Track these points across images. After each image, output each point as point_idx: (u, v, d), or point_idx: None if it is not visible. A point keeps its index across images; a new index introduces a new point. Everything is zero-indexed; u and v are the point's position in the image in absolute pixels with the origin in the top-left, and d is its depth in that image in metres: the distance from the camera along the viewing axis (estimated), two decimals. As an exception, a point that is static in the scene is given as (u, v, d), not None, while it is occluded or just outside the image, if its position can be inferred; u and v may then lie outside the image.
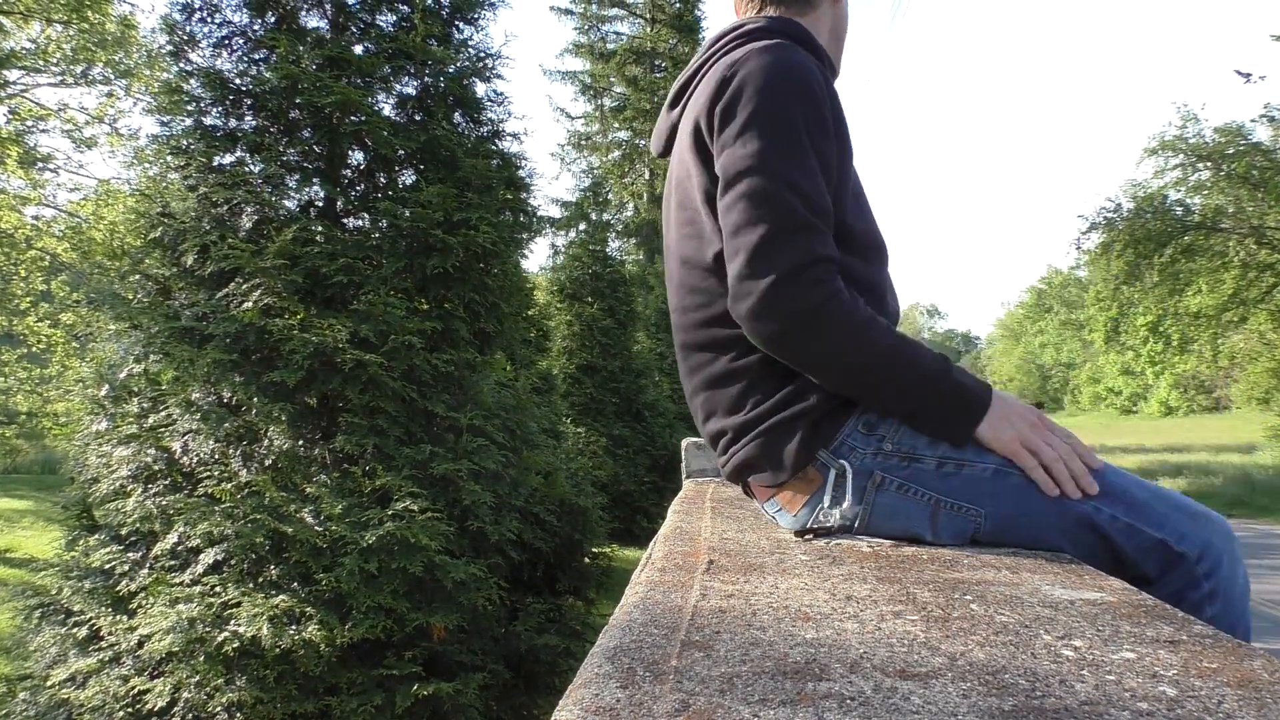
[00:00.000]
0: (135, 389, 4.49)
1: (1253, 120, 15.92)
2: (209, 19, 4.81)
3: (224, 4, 4.80)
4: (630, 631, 0.77)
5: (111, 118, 13.43)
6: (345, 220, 4.99)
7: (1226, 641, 0.77)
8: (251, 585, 3.77)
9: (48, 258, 12.81)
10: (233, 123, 4.75)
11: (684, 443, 2.21)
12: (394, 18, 5.15)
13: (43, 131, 13.11)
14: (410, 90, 5.13)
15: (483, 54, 5.33)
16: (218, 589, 3.72)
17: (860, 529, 1.25)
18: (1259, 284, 16.69)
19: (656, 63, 22.09)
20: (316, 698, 3.70)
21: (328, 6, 4.97)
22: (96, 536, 4.30)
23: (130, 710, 3.69)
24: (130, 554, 4.12)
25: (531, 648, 4.71)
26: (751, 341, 1.23)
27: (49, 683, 3.96)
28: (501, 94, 5.42)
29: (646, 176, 22.52)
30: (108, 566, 4.11)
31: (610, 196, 22.35)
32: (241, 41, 4.86)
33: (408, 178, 5.11)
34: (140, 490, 4.13)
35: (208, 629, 3.54)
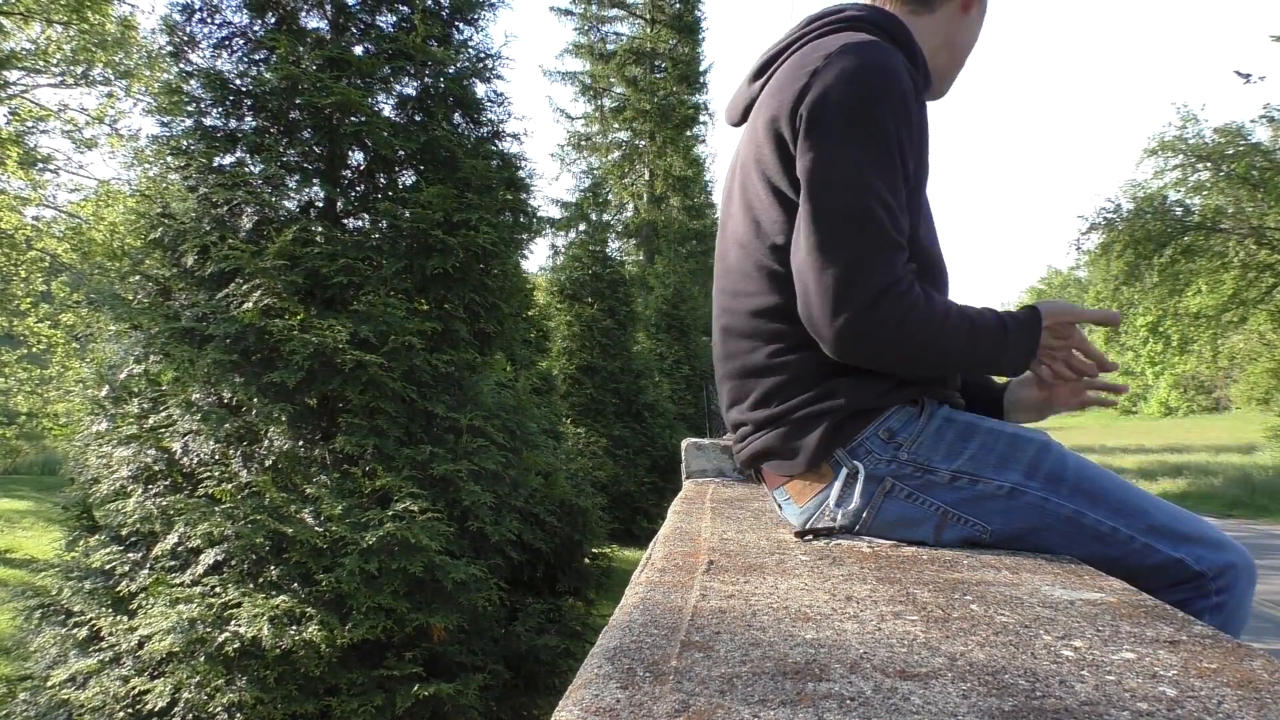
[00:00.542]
0: (135, 390, 4.49)
1: (1252, 121, 15.95)
2: (209, 20, 4.81)
3: (224, 5, 4.80)
4: (630, 632, 0.77)
5: (112, 118, 13.44)
6: (345, 221, 4.99)
7: (1226, 642, 0.77)
8: (252, 586, 3.77)
9: (48, 258, 12.81)
10: (233, 123, 4.75)
11: (684, 443, 2.21)
12: (394, 18, 5.15)
13: (43, 132, 13.12)
14: (410, 91, 5.13)
15: (483, 54, 5.33)
16: (218, 589, 3.72)
17: (861, 531, 1.26)
18: (1259, 284, 16.69)
19: (656, 63, 22.10)
20: (317, 698, 3.70)
21: (328, 7, 4.97)
22: (97, 537, 4.30)
23: (130, 711, 3.69)
24: (130, 554, 4.12)
25: (531, 648, 4.71)
26: (828, 353, 1.22)
27: (49, 683, 3.96)
28: (501, 95, 5.42)
29: (646, 177, 22.53)
30: (108, 567, 4.11)
31: (610, 197, 22.35)
32: (241, 42, 4.86)
33: (408, 178, 5.11)
34: (140, 491, 4.13)
35: (208, 629, 3.54)
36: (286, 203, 4.78)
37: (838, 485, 1.25)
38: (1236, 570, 1.19)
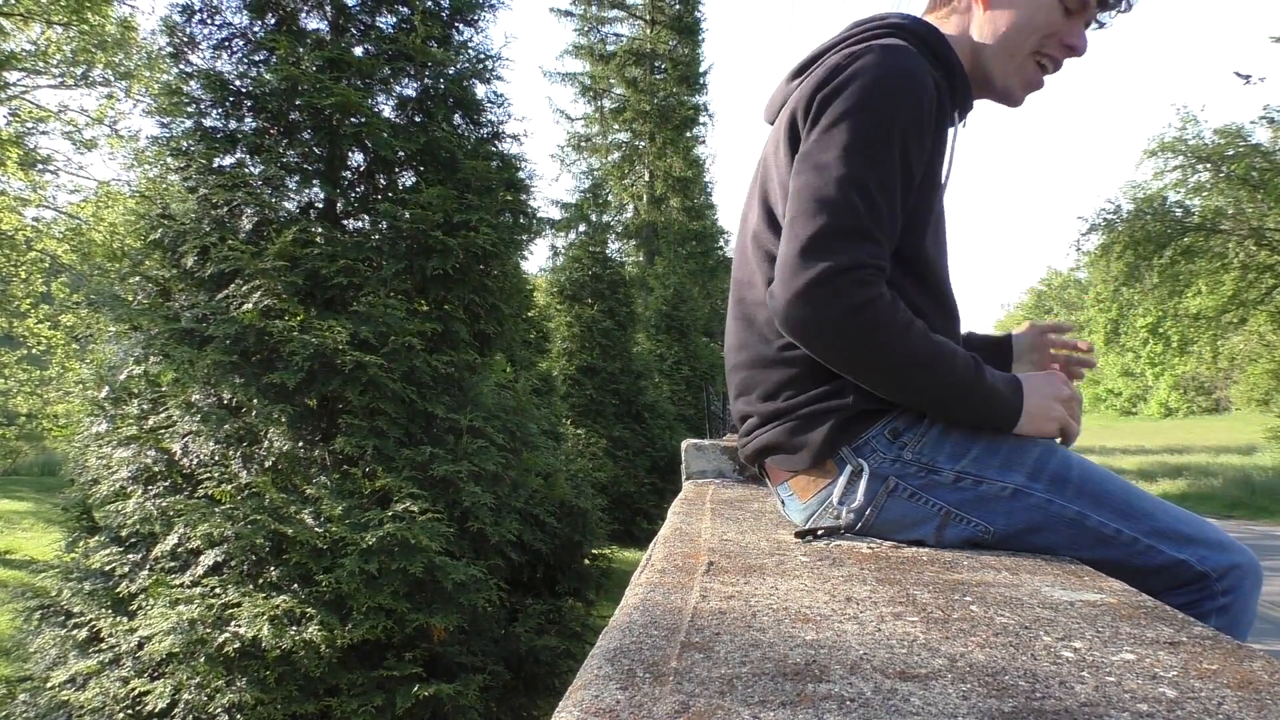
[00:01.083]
0: (135, 390, 4.49)
1: (1252, 122, 15.96)
2: (209, 21, 4.82)
3: (224, 6, 4.80)
4: (630, 633, 0.77)
5: (111, 119, 13.44)
6: (345, 222, 4.99)
7: (1226, 643, 0.77)
8: (252, 586, 3.77)
9: (48, 259, 12.81)
10: (233, 124, 4.75)
11: (684, 444, 2.21)
12: (394, 19, 5.15)
13: (43, 133, 13.12)
14: (410, 92, 5.14)
15: (482, 55, 5.33)
16: (218, 590, 3.72)
17: (863, 529, 1.26)
18: (1258, 285, 16.70)
19: (656, 64, 22.12)
20: (317, 699, 3.70)
21: (328, 8, 4.97)
22: (96, 538, 4.30)
23: (130, 712, 3.69)
24: (130, 555, 4.12)
25: (531, 649, 4.71)
26: (781, 328, 1.21)
27: (49, 684, 3.96)
28: (501, 95, 5.42)
29: (646, 178, 22.54)
30: (108, 568, 4.11)
31: (610, 198, 22.38)
32: (241, 43, 4.86)
33: (407, 179, 5.11)
34: (140, 492, 4.13)
35: (208, 630, 3.54)
36: (286, 204, 4.78)
37: (841, 482, 1.25)
38: (1242, 571, 1.19)
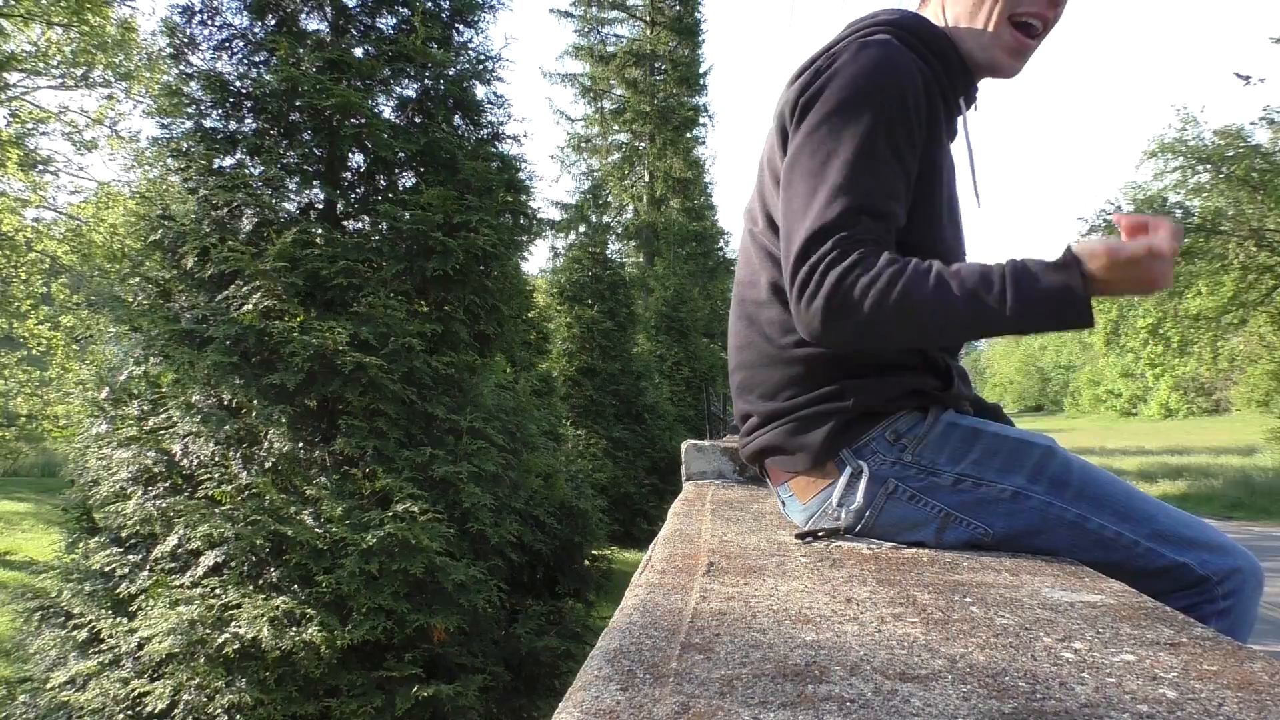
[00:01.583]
0: (135, 391, 4.49)
1: (1252, 123, 15.93)
2: (209, 22, 4.82)
3: (224, 6, 4.81)
4: (630, 634, 0.77)
5: (112, 120, 13.44)
6: (345, 223, 4.99)
7: (1226, 644, 0.77)
8: (252, 587, 3.77)
9: (48, 260, 12.81)
10: (233, 125, 4.75)
11: (684, 445, 2.21)
12: (394, 20, 5.16)
13: (43, 134, 13.11)
14: (410, 93, 5.14)
15: (482, 56, 5.33)
16: (218, 591, 3.72)
17: (863, 531, 1.26)
18: (1259, 286, 16.69)
19: (656, 65, 22.11)
20: (317, 699, 3.70)
21: (328, 9, 4.97)
22: (97, 539, 4.30)
23: (130, 713, 3.69)
24: (130, 556, 4.12)
25: (531, 650, 4.71)
26: (802, 331, 1.18)
27: (49, 685, 3.96)
28: (501, 96, 5.43)
29: (646, 179, 22.53)
30: (108, 569, 4.11)
31: (610, 199, 22.38)
32: (242, 44, 4.87)
33: (408, 180, 5.11)
34: (140, 493, 4.13)
35: (208, 631, 3.54)
36: (286, 205, 4.79)
37: (841, 483, 1.26)
38: (1243, 574, 1.19)
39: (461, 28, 5.39)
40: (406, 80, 5.11)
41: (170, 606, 3.64)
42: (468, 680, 4.00)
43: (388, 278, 4.48)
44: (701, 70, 22.56)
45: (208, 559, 3.80)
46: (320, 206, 4.92)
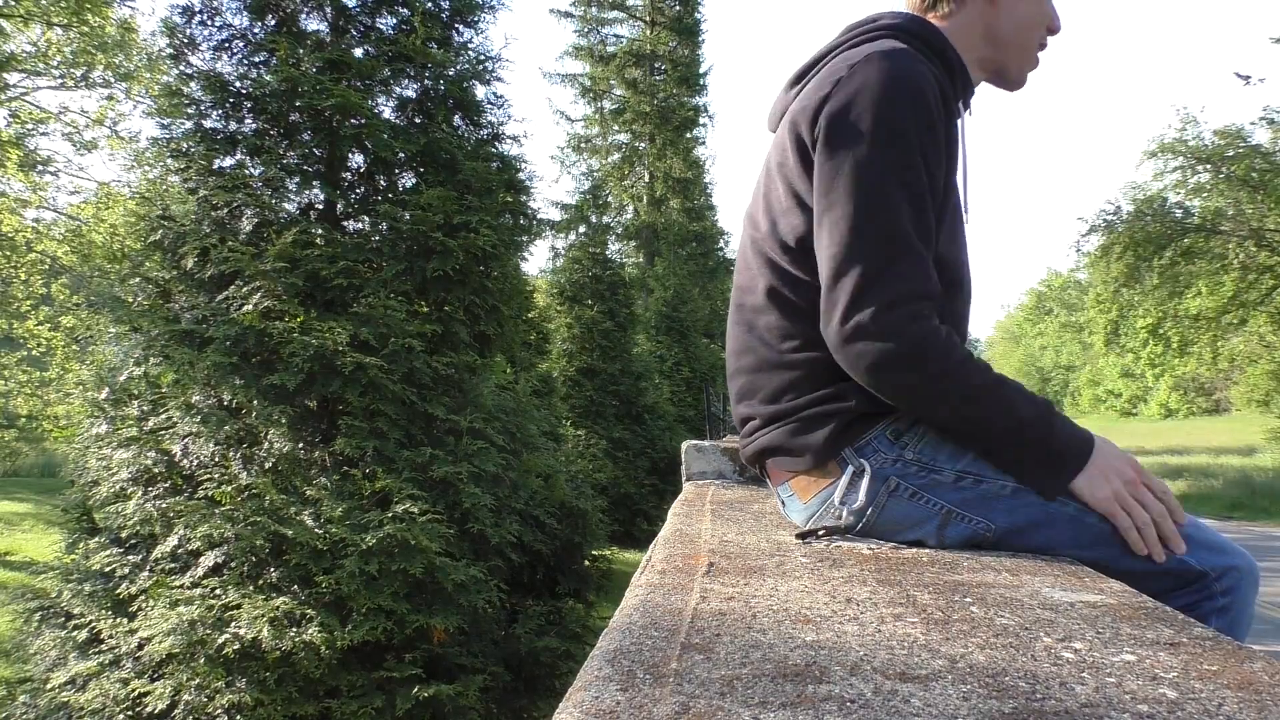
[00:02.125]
0: (135, 392, 4.49)
1: (1252, 123, 15.95)
2: (209, 22, 4.82)
3: (224, 7, 4.81)
4: (630, 634, 0.77)
5: (112, 120, 13.44)
6: (345, 223, 4.99)
7: (1227, 644, 0.77)
8: (252, 588, 3.77)
9: (48, 261, 12.81)
10: (233, 125, 4.75)
11: (684, 445, 2.21)
12: (394, 21, 5.16)
13: (43, 134, 13.12)
14: (410, 93, 5.14)
15: (482, 57, 5.34)
16: (218, 591, 3.72)
17: (864, 529, 1.26)
18: (1258, 286, 16.70)
19: (656, 65, 22.12)
20: (317, 700, 3.70)
21: (328, 9, 4.97)
22: (97, 539, 4.30)
23: (130, 713, 3.69)
24: (130, 557, 4.12)
25: (532, 650, 4.71)
26: (841, 365, 1.20)
27: (49, 686, 3.96)
28: (501, 97, 5.45)
29: (646, 179, 22.54)
30: (108, 569, 4.11)
31: (610, 199, 22.39)
32: (241, 44, 4.87)
33: (408, 180, 5.11)
34: (140, 493, 4.13)
35: (208, 631, 3.54)
36: (286, 205, 4.79)
37: (843, 482, 1.26)
38: (1240, 573, 1.19)
39: (461, 28, 5.39)
40: (406, 80, 5.11)
41: (170, 607, 3.64)
42: (468, 680, 4.00)
43: (388, 278, 4.48)
44: (701, 70, 22.57)
45: (208, 559, 3.80)
46: (320, 207, 4.92)
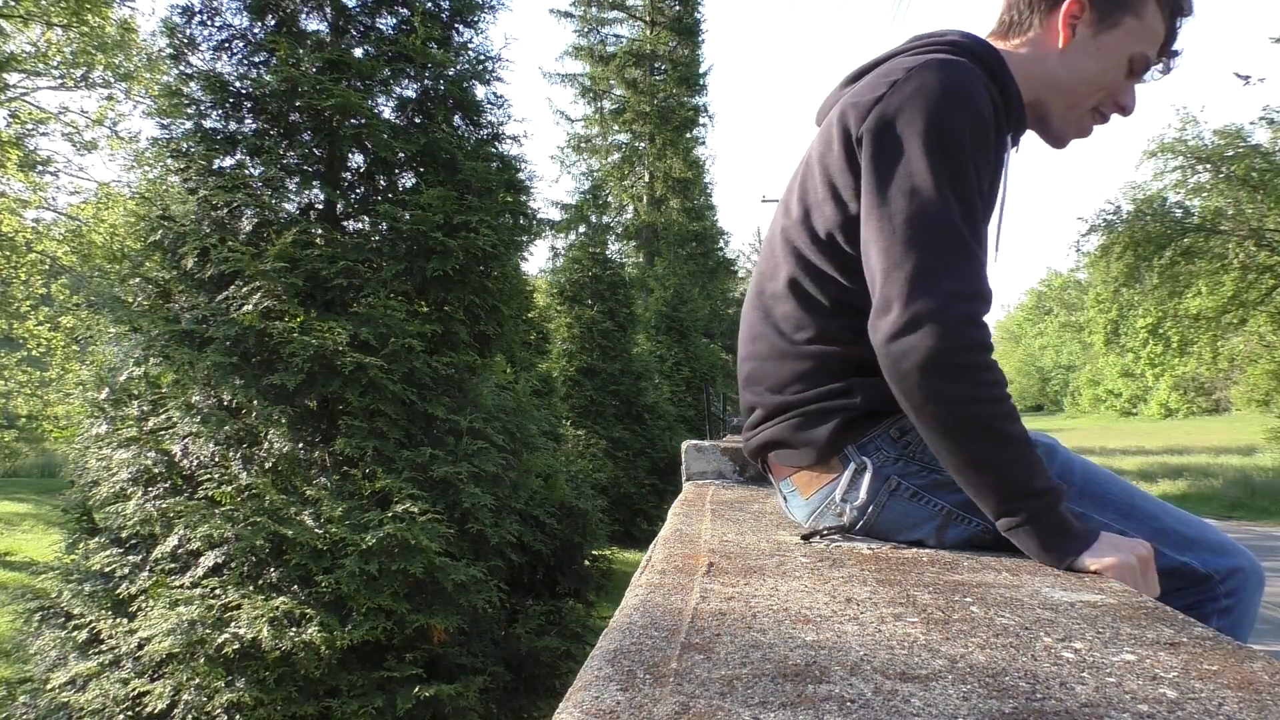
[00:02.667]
0: (135, 392, 4.49)
1: (1252, 123, 15.92)
2: (209, 22, 4.82)
3: (224, 7, 4.81)
4: (630, 634, 0.77)
5: (112, 121, 13.44)
6: (345, 223, 4.99)
7: (1227, 644, 0.77)
8: (252, 587, 3.77)
9: (48, 261, 12.81)
10: (233, 125, 4.75)
11: (684, 445, 2.21)
12: (394, 21, 5.16)
13: (43, 135, 13.12)
14: (410, 93, 5.14)
15: (482, 57, 5.34)
16: (218, 591, 3.72)
17: (865, 528, 1.26)
18: (1258, 286, 16.69)
19: (656, 65, 22.12)
20: (317, 700, 3.70)
21: (327, 9, 4.97)
22: (97, 539, 4.30)
23: (130, 713, 3.69)
24: (130, 557, 4.12)
25: (532, 650, 4.71)
26: (883, 364, 1.14)
27: (49, 686, 3.96)
28: (501, 97, 5.44)
29: (646, 179, 22.54)
30: (108, 569, 4.11)
31: (610, 199, 22.39)
32: (241, 44, 4.87)
33: (408, 180, 5.11)
34: (140, 493, 4.13)
35: (208, 631, 3.54)
36: (286, 205, 4.79)
37: (845, 479, 1.26)
38: (1244, 574, 1.19)
39: (461, 28, 5.39)
40: (406, 80, 5.11)
41: (170, 607, 3.64)
42: (468, 680, 4.00)
43: (388, 278, 4.48)
44: (701, 70, 22.57)
45: (208, 559, 3.80)
46: (320, 207, 4.92)
